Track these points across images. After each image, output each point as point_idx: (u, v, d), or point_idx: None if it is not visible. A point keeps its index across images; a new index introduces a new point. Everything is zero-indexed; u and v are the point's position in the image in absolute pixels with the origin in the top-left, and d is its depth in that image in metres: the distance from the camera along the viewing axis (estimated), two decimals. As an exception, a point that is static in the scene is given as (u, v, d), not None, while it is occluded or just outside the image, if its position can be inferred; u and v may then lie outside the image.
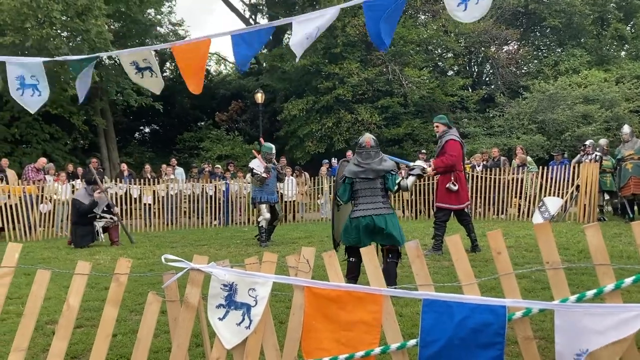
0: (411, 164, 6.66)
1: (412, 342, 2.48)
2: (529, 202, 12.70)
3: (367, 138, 5.85)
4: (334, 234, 6.42)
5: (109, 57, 22.48)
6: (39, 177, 13.08)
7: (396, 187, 5.69)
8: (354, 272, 5.62)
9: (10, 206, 11.61)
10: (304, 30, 3.75)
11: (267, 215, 9.79)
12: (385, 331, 2.54)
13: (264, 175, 9.68)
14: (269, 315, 2.70)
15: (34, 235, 11.88)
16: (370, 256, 2.63)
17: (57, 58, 4.74)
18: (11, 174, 12.97)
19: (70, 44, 17.34)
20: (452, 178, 7.81)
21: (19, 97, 4.42)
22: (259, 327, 2.64)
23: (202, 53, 4.10)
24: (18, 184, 12.15)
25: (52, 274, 2.89)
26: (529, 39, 28.53)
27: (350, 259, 5.69)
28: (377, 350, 2.49)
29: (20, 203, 11.76)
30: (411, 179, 6.08)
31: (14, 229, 11.65)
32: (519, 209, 12.90)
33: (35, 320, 2.76)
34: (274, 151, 10.16)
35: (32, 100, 4.44)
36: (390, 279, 5.33)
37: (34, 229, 11.94)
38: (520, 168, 13.29)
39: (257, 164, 9.90)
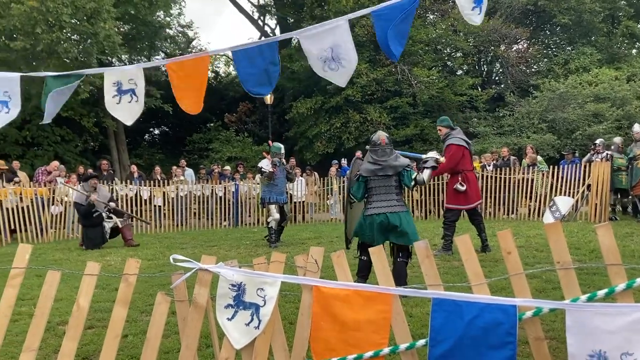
0: (423, 156, 6.59)
1: (422, 342, 2.47)
2: (540, 202, 12.62)
3: (382, 135, 5.82)
4: (346, 232, 6.38)
5: (119, 59, 22.65)
6: (51, 178, 13.19)
7: (413, 183, 5.69)
8: (364, 271, 5.62)
9: (22, 208, 11.70)
10: (316, 52, 3.45)
11: (277, 216, 9.75)
12: (395, 331, 2.53)
13: (271, 169, 9.66)
14: (278, 316, 2.70)
15: (46, 237, 11.96)
16: (379, 256, 2.62)
17: (37, 73, 4.17)
18: (23, 176, 13.09)
19: (80, 47, 17.45)
20: (460, 179, 7.80)
21: None
22: (267, 327, 2.63)
23: (200, 70, 3.72)
24: (30, 187, 12.24)
25: (63, 275, 2.91)
26: (539, 37, 28.34)
27: (362, 257, 5.68)
28: (386, 350, 2.48)
29: (32, 205, 11.85)
30: (427, 172, 6.06)
31: (25, 230, 11.75)
32: (530, 209, 12.82)
33: (46, 320, 2.78)
34: (282, 151, 10.14)
35: (1, 118, 3.88)
36: (401, 278, 5.35)
37: (46, 230, 12.03)
38: (531, 167, 13.21)
39: (267, 163, 9.90)
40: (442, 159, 6.95)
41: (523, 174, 13.13)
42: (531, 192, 12.86)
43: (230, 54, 3.67)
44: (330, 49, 3.41)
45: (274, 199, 9.83)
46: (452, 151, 7.81)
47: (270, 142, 11.45)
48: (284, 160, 10.29)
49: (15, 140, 19.89)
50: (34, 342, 2.71)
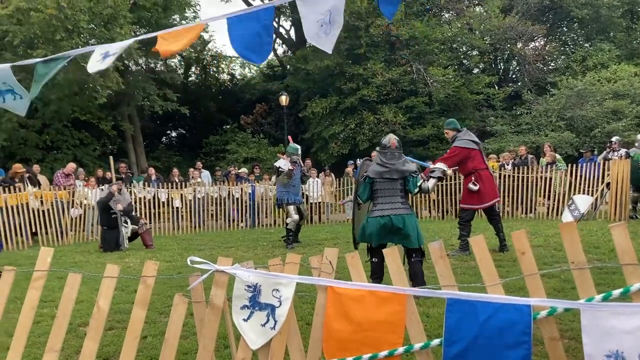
0: (431, 166, 6.73)
1: (436, 341, 2.48)
2: (558, 201, 12.49)
3: (392, 139, 5.88)
4: (354, 233, 6.44)
5: (136, 63, 22.90)
6: (69, 182, 13.38)
7: (417, 190, 5.73)
8: (377, 273, 5.66)
9: (43, 211, 11.89)
10: (313, 16, 3.34)
11: (296, 217, 9.72)
12: (409, 331, 2.54)
13: (290, 167, 9.61)
14: (294, 316, 2.72)
15: (66, 239, 12.14)
16: (393, 256, 2.63)
17: (27, 61, 4.31)
18: (43, 179, 13.31)
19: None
20: (473, 178, 7.79)
21: (3, 104, 4.16)
22: (283, 327, 2.66)
23: (191, 34, 3.70)
24: (50, 190, 12.44)
25: (84, 277, 2.97)
26: (556, 34, 28.04)
27: (373, 259, 5.73)
28: (401, 349, 2.49)
29: (52, 208, 12.04)
30: (432, 182, 6.14)
31: (46, 233, 11.93)
32: (548, 208, 12.70)
33: (68, 322, 2.84)
34: (299, 152, 10.11)
35: (18, 104, 4.11)
36: (418, 278, 5.43)
37: (66, 233, 12.20)
38: (550, 166, 13.08)
39: (284, 163, 9.87)
40: (450, 172, 7.09)
41: (541, 172, 13.01)
42: (549, 191, 12.75)
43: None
44: (329, 12, 3.31)
45: (291, 199, 9.80)
46: (451, 152, 7.85)
47: (290, 137, 11.31)
48: (300, 161, 10.28)
49: (35, 144, 20.21)
50: (56, 343, 2.77)
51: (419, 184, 5.73)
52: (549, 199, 12.75)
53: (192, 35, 3.66)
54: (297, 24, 27.62)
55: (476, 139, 8.10)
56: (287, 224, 9.88)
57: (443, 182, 13.94)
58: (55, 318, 2.81)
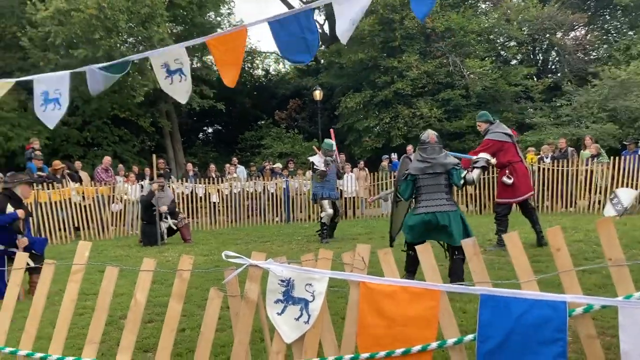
0: (474, 157, 6.64)
1: (469, 337, 2.47)
2: (600, 194, 12.16)
3: (431, 134, 5.77)
4: (391, 231, 6.40)
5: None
6: (109, 176, 13.73)
7: (462, 182, 5.62)
8: (413, 266, 5.58)
9: (85, 207, 12.25)
10: (347, 15, 3.52)
11: (330, 211, 9.72)
12: (442, 327, 2.53)
13: (323, 168, 9.65)
14: (327, 311, 2.74)
15: (107, 233, 12.48)
16: (426, 252, 2.63)
17: (83, 68, 4.45)
18: (84, 175, 13.70)
19: (134, 50, 18.06)
20: (507, 171, 7.69)
21: (42, 113, 4.34)
22: (317, 322, 2.68)
23: (238, 44, 3.88)
24: (91, 185, 12.80)
25: (124, 271, 3.06)
26: (598, 22, 27.17)
27: (410, 252, 5.65)
28: (434, 344, 2.49)
29: (94, 203, 12.39)
30: (476, 172, 6.07)
31: (88, 228, 12.29)
32: (590, 202, 12.37)
33: (106, 314, 2.93)
34: (334, 148, 10.09)
35: (55, 115, 4.31)
36: (456, 276, 5.34)
37: (107, 228, 12.55)
38: (594, 159, 12.73)
39: (318, 159, 9.87)
40: (493, 160, 7.02)
41: (584, 165, 12.66)
42: (591, 184, 12.42)
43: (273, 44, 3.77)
44: (361, 9, 3.50)
45: (326, 194, 9.82)
46: (484, 144, 7.74)
47: (331, 131, 11.13)
48: (336, 156, 10.23)
49: (77, 141, 20.80)
50: (96, 335, 2.86)
51: (463, 175, 5.64)
52: (591, 192, 12.42)
53: (241, 48, 3.90)
54: (331, 18, 27.56)
55: (509, 131, 7.98)
56: (321, 218, 9.90)
57: (483, 175, 13.76)
58: (95, 310, 2.90)
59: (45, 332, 3.80)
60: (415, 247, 2.76)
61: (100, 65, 4.28)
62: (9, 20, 18.29)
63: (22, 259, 3.11)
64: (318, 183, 9.93)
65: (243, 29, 3.90)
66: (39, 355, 2.88)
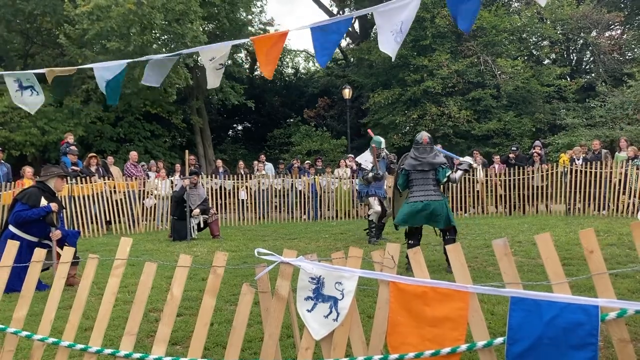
0: (460, 159, 7.56)
1: (499, 339, 2.46)
2: (635, 197, 11.89)
3: (424, 136, 6.87)
4: (393, 216, 7.65)
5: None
6: (138, 171, 13.97)
7: (445, 179, 6.63)
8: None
9: (116, 201, 12.49)
10: (388, 26, 3.71)
11: (378, 209, 9.28)
12: (472, 328, 2.53)
13: (371, 175, 9.24)
14: (356, 309, 2.77)
15: (137, 228, 12.71)
16: (457, 253, 2.63)
17: (141, 58, 5.19)
18: (116, 170, 13.96)
19: (168, 47, 18.31)
20: None
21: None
22: (345, 320, 2.71)
23: (279, 44, 4.35)
24: (122, 180, 13.04)
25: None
26: (634, 22, 26.51)
27: (410, 242, 6.65)
28: (464, 347, 2.49)
29: (125, 198, 12.62)
30: (459, 173, 7.05)
31: (119, 222, 12.54)
32: (624, 205, 12.11)
33: (144, 307, 3.01)
34: (383, 145, 9.57)
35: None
36: None
37: (137, 222, 12.78)
38: (631, 161, 12.42)
39: (365, 159, 9.49)
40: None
41: (620, 167, 12.37)
42: (625, 187, 12.16)
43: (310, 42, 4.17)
44: (402, 22, 3.67)
45: (372, 192, 9.41)
46: None
47: (369, 130, 10.76)
48: (385, 153, 9.72)
49: (110, 137, 21.22)
50: (134, 328, 2.95)
51: (447, 174, 6.63)
52: (625, 195, 12.15)
53: (280, 44, 4.32)
54: (361, 16, 27.54)
55: None
56: (368, 216, 9.50)
57: (510, 177, 13.62)
58: (133, 304, 2.98)
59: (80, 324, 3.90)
60: (446, 247, 2.77)
61: (163, 55, 4.94)
62: (50, 17, 18.72)
63: (68, 254, 3.21)
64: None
65: (286, 31, 4.36)
66: (79, 346, 2.97)
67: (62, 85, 5.28)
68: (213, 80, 4.75)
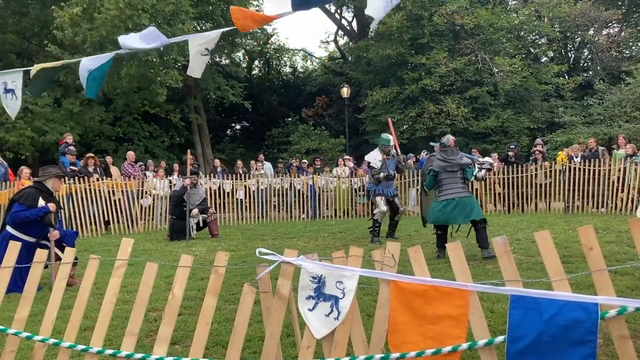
0: (481, 159, 8.21)
1: (500, 338, 2.47)
2: (634, 195, 11.91)
3: (450, 139, 7.52)
4: (422, 215, 8.36)
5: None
6: (135, 171, 13.95)
7: (473, 178, 7.39)
8: (442, 241, 7.22)
9: (114, 201, 12.47)
10: None
11: (384, 209, 9.18)
12: (473, 327, 2.54)
13: (379, 175, 9.16)
14: (357, 308, 2.77)
15: (136, 228, 12.68)
16: (456, 251, 2.64)
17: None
18: (115, 170, 13.93)
19: (160, 49, 18.24)
20: None
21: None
22: (346, 318, 2.72)
23: (260, 18, 4.37)
24: (120, 180, 13.01)
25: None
26: (632, 19, 26.53)
27: (439, 231, 7.35)
28: (464, 345, 2.50)
29: (123, 197, 12.59)
30: (483, 172, 7.66)
31: (117, 222, 12.51)
32: (622, 202, 12.12)
33: (145, 307, 3.01)
34: (391, 143, 9.41)
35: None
36: (484, 241, 7.06)
37: (136, 222, 12.76)
38: (629, 158, 12.44)
39: (373, 158, 9.39)
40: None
41: (619, 164, 12.38)
42: (623, 185, 12.17)
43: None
44: None
45: (380, 191, 9.29)
46: None
47: (390, 120, 10.59)
48: (396, 148, 9.55)
49: (108, 136, 21.19)
50: (135, 328, 2.95)
51: (474, 173, 7.39)
52: (623, 192, 12.17)
53: (266, 18, 4.31)
54: (359, 14, 27.52)
55: None
56: (373, 215, 9.42)
57: (508, 175, 13.65)
58: (134, 304, 2.99)
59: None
60: (446, 245, 2.78)
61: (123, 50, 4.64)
62: (39, 25, 18.69)
63: (70, 255, 3.21)
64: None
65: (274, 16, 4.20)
66: (80, 347, 2.97)
67: (42, 81, 5.05)
68: (196, 66, 4.43)
